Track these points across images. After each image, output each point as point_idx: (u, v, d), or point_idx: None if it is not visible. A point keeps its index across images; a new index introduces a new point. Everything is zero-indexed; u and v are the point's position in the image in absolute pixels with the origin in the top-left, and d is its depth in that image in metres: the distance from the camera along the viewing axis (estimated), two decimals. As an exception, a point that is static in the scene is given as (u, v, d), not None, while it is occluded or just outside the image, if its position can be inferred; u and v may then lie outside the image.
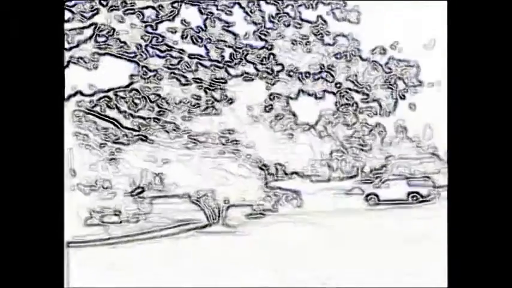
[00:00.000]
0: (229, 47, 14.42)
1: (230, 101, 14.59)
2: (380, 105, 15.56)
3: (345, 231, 15.22)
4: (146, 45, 14.04)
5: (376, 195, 18.35)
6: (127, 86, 14.12)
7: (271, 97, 15.02)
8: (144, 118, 14.45)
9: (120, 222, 16.94)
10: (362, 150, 17.39)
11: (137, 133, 14.41)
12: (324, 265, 11.81)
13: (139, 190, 17.41)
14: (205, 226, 16.12)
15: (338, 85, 15.28)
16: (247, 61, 14.53)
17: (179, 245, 14.77)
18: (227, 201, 17.93)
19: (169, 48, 14.14)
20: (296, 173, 19.95)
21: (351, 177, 20.64)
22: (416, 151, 18.96)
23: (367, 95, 15.49)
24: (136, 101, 14.21)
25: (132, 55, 14.03)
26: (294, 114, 15.47)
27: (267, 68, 14.64)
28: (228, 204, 17.75)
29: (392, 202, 17.81)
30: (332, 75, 15.27)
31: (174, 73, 14.25)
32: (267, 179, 16.02)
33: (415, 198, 18.10)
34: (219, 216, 16.24)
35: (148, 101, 14.30)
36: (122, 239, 14.84)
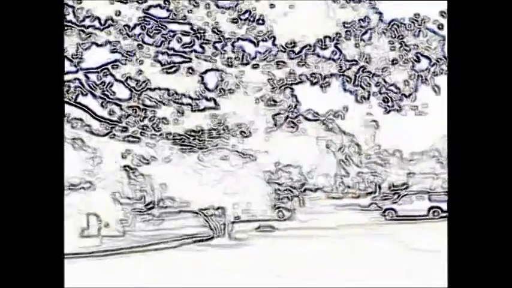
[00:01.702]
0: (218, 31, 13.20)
1: (230, 90, 13.29)
2: (398, 88, 13.77)
3: (357, 246, 15.31)
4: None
5: (394, 210, 18.97)
6: (99, 68, 13.02)
7: (273, 85, 13.54)
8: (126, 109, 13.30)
9: (123, 235, 17.81)
10: (381, 165, 16.94)
11: (120, 126, 13.31)
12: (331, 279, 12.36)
13: (150, 206, 18.06)
14: (210, 239, 16.50)
15: (346, 65, 13.57)
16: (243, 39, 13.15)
17: (182, 257, 15.05)
18: (237, 217, 18.52)
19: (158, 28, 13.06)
20: (310, 189, 20.78)
21: (369, 193, 21.22)
22: (439, 166, 19.18)
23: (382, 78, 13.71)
24: (114, 88, 13.10)
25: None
26: (297, 100, 13.91)
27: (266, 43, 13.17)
28: (237, 218, 18.47)
29: (410, 217, 18.37)
30: (340, 51, 13.48)
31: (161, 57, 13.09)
32: (270, 183, 15.37)
33: (436, 213, 18.60)
34: (224, 229, 16.54)
35: (132, 90, 13.14)
36: (123, 250, 15.22)
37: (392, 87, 13.60)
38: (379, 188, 19.42)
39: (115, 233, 15.94)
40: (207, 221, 16.56)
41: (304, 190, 18.41)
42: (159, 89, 13.17)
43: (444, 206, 18.10)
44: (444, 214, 17.97)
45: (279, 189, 15.99)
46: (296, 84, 13.52)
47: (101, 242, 15.48)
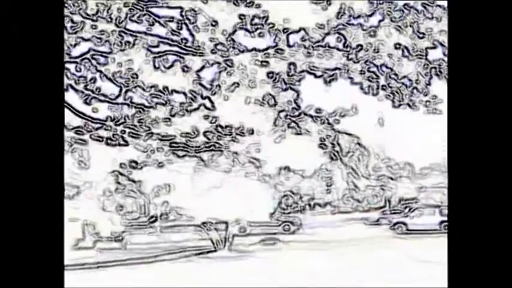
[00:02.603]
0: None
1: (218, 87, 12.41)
2: (410, 80, 12.73)
3: (363, 260, 15.58)
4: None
5: (404, 224, 19.21)
6: (81, 59, 12.20)
7: (273, 80, 12.57)
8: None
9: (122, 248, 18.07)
10: (391, 178, 16.31)
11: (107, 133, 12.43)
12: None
13: (153, 219, 18.32)
14: (210, 251, 16.68)
15: (353, 56, 12.55)
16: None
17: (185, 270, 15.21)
18: (242, 231, 18.77)
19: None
20: (319, 204, 20.93)
21: (378, 208, 21.51)
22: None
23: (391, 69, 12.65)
24: (100, 84, 12.27)
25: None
26: (299, 95, 12.91)
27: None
28: (242, 231, 18.84)
29: (421, 231, 18.65)
30: (344, 37, 12.51)
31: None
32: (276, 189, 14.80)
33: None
34: (225, 242, 16.69)
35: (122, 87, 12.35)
36: (123, 262, 15.64)
37: (403, 80, 12.76)
38: (389, 201, 19.73)
39: (110, 245, 16.49)
40: (207, 233, 16.72)
41: (314, 206, 18.69)
42: (151, 86, 12.46)
43: (457, 220, 18.27)
44: (457, 228, 18.19)
45: (283, 200, 15.81)
46: (298, 79, 12.67)
47: (98, 253, 16.01)
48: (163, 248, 16.84)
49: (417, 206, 19.32)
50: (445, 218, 18.85)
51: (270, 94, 12.73)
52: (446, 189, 18.79)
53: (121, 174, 13.30)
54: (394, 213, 19.75)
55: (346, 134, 13.35)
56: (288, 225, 18.86)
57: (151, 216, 15.32)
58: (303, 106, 12.93)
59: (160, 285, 13.63)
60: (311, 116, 12.94)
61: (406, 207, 19.41)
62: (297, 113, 12.86)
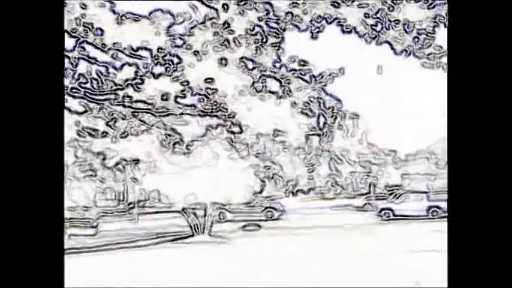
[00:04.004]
0: None
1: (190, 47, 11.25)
2: (409, 28, 11.67)
3: (348, 246, 15.78)
4: None
5: (391, 210, 19.86)
6: None
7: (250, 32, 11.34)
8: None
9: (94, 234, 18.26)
10: (376, 164, 16.63)
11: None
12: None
13: (131, 206, 18.54)
14: (188, 237, 16.88)
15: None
16: None
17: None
18: (223, 217, 19.05)
19: None
20: (303, 191, 20.46)
21: (363, 194, 22.05)
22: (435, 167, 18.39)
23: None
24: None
25: None
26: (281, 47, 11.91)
27: None
28: (222, 216, 18.33)
29: (408, 217, 19.31)
30: None
31: None
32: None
33: (435, 213, 19.29)
34: (204, 227, 16.82)
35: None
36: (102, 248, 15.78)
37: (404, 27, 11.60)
38: (374, 186, 20.27)
39: (82, 231, 16.67)
40: (185, 218, 16.85)
41: (297, 192, 19.08)
42: (114, 43, 11.43)
43: (443, 205, 18.95)
44: (443, 214, 18.47)
45: (264, 181, 15.92)
46: (281, 28, 11.51)
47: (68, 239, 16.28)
48: (139, 234, 17.11)
49: (403, 191, 19.82)
50: (432, 204, 19.51)
51: (246, 57, 11.62)
52: (431, 176, 19.41)
53: (80, 146, 12.38)
54: (380, 199, 20.29)
55: (333, 97, 12.36)
56: (271, 211, 19.25)
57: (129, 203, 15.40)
58: (284, 61, 11.71)
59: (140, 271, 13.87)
60: (293, 70, 11.79)
61: (391, 193, 19.92)
62: (279, 73, 11.63)
